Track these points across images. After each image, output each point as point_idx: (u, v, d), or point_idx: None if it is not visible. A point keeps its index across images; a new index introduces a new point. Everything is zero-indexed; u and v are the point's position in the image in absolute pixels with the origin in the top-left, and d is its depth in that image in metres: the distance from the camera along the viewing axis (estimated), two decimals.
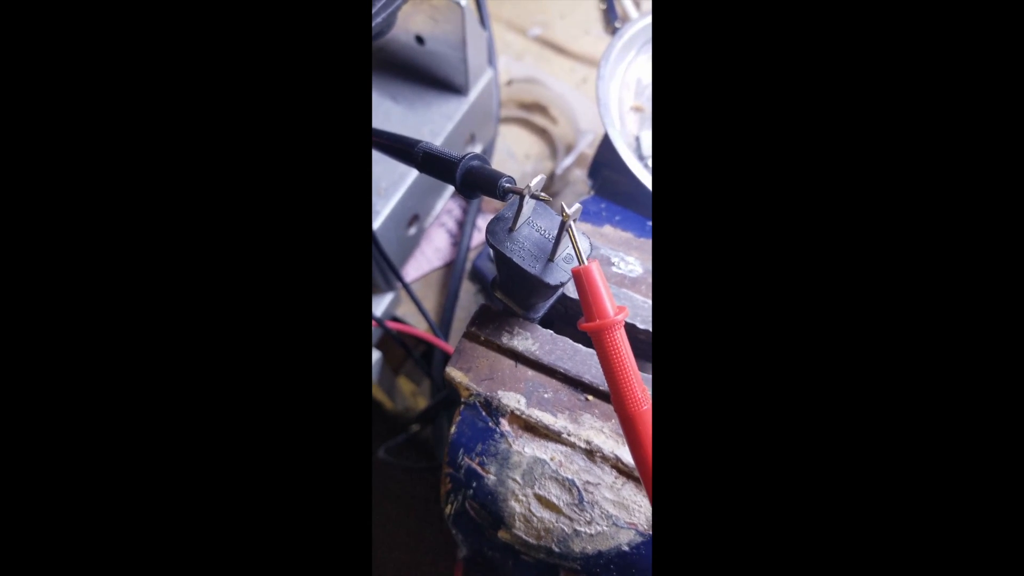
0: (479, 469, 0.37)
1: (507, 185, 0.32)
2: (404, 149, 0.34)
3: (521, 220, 0.33)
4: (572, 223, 0.31)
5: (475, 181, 0.33)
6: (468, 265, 0.68)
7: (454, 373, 0.38)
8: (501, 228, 0.34)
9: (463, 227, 0.67)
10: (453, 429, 0.37)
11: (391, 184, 0.53)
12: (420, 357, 0.62)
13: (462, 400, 0.38)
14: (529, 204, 0.33)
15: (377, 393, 0.68)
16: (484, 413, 0.37)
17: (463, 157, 0.33)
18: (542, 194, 0.32)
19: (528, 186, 0.31)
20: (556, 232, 0.33)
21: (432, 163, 0.33)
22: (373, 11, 0.39)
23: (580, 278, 0.30)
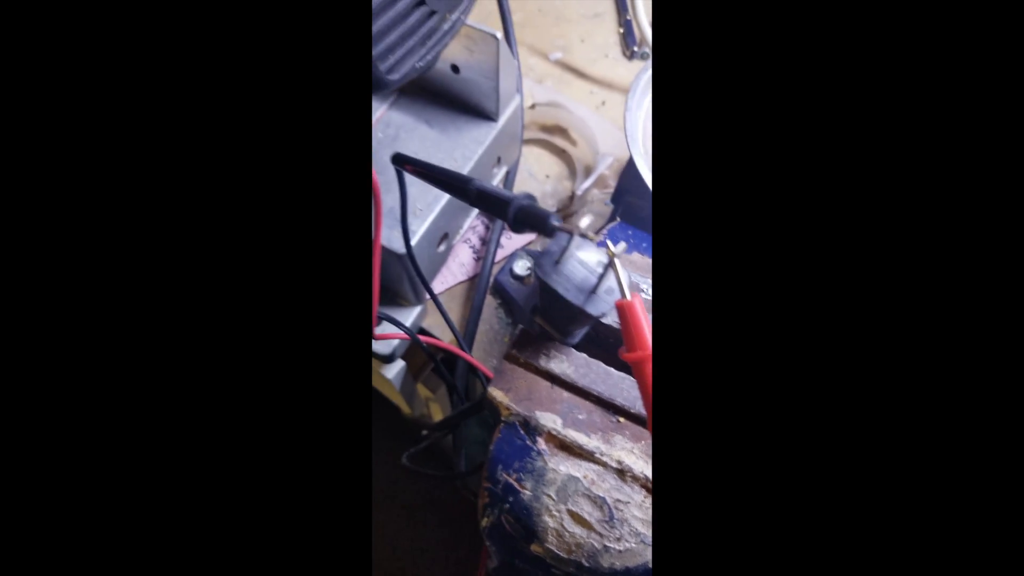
0: (516, 484, 0.39)
1: (556, 224, 0.34)
2: (458, 186, 0.36)
3: (565, 255, 0.36)
4: (617, 260, 0.33)
5: (526, 219, 0.35)
6: (491, 280, 0.70)
7: (495, 393, 0.40)
8: (547, 262, 0.36)
9: (487, 244, 0.70)
10: (492, 446, 0.40)
11: (426, 206, 0.55)
12: (440, 363, 0.64)
13: (502, 419, 0.40)
14: (573, 240, 0.36)
15: (397, 399, 0.70)
16: (522, 432, 0.40)
17: (515, 197, 0.35)
18: (590, 233, 0.34)
19: (577, 225, 0.34)
20: (594, 263, 0.35)
21: (485, 200, 0.36)
22: (423, 50, 0.42)
23: (623, 311, 0.33)
